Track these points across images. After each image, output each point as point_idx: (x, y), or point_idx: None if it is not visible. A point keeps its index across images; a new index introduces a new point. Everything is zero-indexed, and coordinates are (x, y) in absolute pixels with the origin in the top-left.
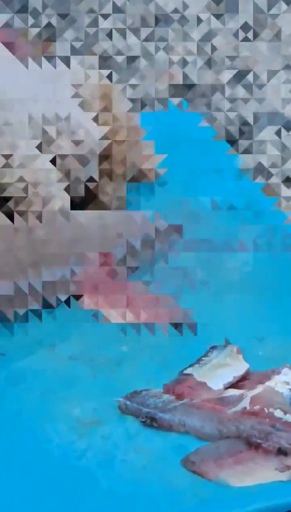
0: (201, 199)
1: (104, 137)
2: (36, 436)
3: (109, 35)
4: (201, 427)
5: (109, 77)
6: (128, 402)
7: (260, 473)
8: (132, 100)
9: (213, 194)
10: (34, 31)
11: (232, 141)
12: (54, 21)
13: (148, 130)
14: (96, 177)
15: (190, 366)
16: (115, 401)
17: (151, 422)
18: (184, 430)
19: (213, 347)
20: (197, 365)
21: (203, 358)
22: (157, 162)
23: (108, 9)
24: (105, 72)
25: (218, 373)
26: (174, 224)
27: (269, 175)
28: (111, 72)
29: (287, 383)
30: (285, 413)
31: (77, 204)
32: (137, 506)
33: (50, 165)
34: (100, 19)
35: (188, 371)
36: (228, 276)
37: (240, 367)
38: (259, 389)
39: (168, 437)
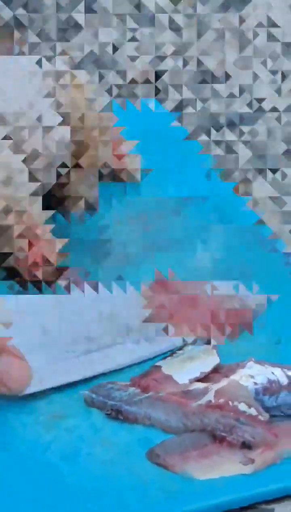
0: (171, 199)
1: (76, 137)
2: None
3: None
4: (166, 420)
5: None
6: (94, 395)
7: (225, 466)
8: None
9: (184, 194)
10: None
11: (203, 141)
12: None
13: (122, 130)
14: (67, 177)
15: (163, 358)
16: (81, 393)
17: (117, 414)
18: (149, 423)
19: (187, 343)
20: (169, 357)
21: (177, 352)
22: (136, 161)
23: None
24: (79, 72)
25: (186, 367)
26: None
27: (241, 175)
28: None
29: (252, 377)
30: (250, 406)
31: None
32: (103, 499)
33: (22, 165)
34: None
35: (158, 363)
36: (198, 276)
37: (209, 362)
38: (224, 382)
39: (133, 430)
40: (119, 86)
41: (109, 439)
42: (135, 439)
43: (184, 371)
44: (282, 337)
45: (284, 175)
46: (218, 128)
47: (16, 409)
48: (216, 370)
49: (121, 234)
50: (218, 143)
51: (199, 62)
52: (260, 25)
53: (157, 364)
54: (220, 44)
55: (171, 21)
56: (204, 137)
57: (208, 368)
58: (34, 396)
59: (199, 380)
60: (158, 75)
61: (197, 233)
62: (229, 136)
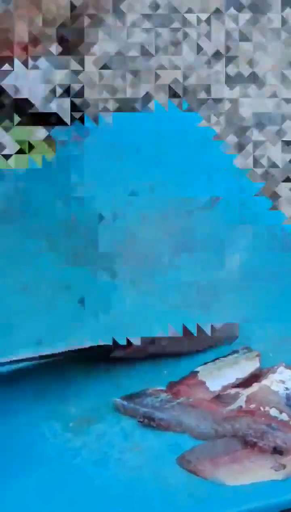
0: (198, 199)
1: None
2: (31, 435)
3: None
4: (197, 426)
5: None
6: (125, 402)
7: (256, 472)
8: (133, 100)
9: (211, 194)
10: None
11: (231, 141)
12: None
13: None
14: None
15: (204, 364)
16: (113, 401)
17: (149, 422)
18: (181, 429)
19: (235, 351)
20: (210, 363)
21: (221, 358)
22: None
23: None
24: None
25: (223, 373)
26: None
27: (269, 175)
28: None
29: (283, 382)
30: (281, 412)
31: None
32: (133, 505)
33: None
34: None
35: (197, 369)
36: (226, 276)
37: (247, 368)
38: (255, 387)
39: (163, 436)
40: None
41: (139, 445)
42: (165, 445)
43: (219, 377)
44: None
45: None
46: (246, 128)
47: (46, 415)
48: (255, 375)
49: (147, 234)
50: (246, 143)
51: (228, 62)
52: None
53: (196, 369)
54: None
55: (199, 20)
56: (232, 137)
57: (244, 374)
58: (64, 402)
59: (233, 386)
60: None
61: (224, 234)
62: (257, 136)
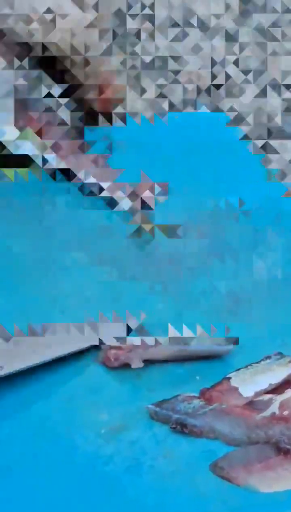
0: (227, 201)
1: None
2: (63, 442)
3: (137, 35)
4: (230, 432)
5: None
6: (157, 409)
7: (289, 479)
8: (160, 101)
9: (239, 195)
10: None
11: (259, 142)
12: None
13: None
14: None
15: (237, 370)
16: (145, 408)
17: (182, 428)
18: (213, 436)
19: (268, 357)
20: (242, 369)
21: (253, 364)
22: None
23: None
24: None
25: (256, 378)
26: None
27: None
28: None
29: None
30: None
31: None
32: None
33: None
34: (128, 19)
35: (230, 375)
36: (254, 280)
37: (280, 374)
38: (288, 394)
39: (196, 442)
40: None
41: (172, 452)
42: (198, 452)
43: (252, 383)
44: None
45: None
46: (274, 129)
47: (77, 422)
48: (288, 381)
49: (177, 244)
50: (274, 143)
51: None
52: None
53: (228, 375)
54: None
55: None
56: (259, 138)
57: (277, 380)
58: (95, 408)
59: (266, 392)
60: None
61: (254, 238)
62: (285, 136)
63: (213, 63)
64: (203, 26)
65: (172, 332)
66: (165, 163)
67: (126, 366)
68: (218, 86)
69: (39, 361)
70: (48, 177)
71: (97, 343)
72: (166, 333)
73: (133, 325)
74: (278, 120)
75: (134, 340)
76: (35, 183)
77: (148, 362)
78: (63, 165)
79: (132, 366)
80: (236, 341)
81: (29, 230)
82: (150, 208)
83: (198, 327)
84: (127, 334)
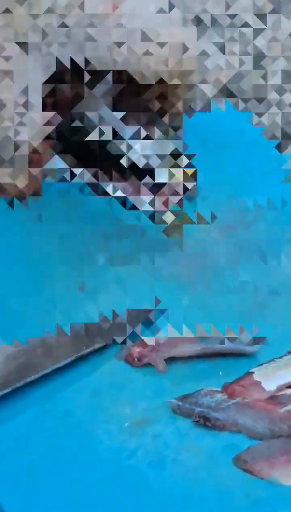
0: (254, 200)
1: None
2: (86, 437)
3: None
4: (253, 426)
5: None
6: (180, 403)
7: None
8: (189, 100)
9: (267, 194)
10: None
11: (287, 142)
12: None
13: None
14: None
15: (260, 364)
16: (168, 402)
17: (204, 421)
18: (236, 430)
19: (290, 351)
20: (265, 364)
21: (275, 359)
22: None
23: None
24: None
25: (279, 373)
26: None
27: None
28: None
29: None
30: None
31: None
32: (189, 505)
33: None
34: None
35: (253, 369)
36: (278, 279)
37: None
38: None
39: (219, 436)
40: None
41: (195, 445)
42: (221, 445)
43: (275, 378)
44: None
45: None
46: None
47: (101, 416)
48: None
49: (206, 243)
50: None
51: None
52: None
53: (251, 370)
54: None
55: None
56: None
57: None
58: (119, 403)
59: (289, 386)
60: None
61: (281, 240)
62: None
63: (242, 63)
64: (230, 24)
65: (199, 331)
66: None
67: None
68: (245, 86)
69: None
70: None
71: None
72: (193, 332)
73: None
74: None
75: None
76: None
77: (172, 359)
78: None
79: (156, 371)
80: (263, 341)
81: (56, 230)
82: (178, 209)
83: (225, 327)
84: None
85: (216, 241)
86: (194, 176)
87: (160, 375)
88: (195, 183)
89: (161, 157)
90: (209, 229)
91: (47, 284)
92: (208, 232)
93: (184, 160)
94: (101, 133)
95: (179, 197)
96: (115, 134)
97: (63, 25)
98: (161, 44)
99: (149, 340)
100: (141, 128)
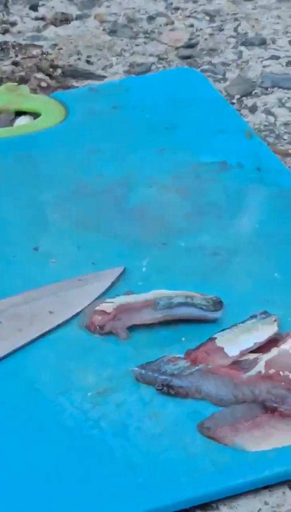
0: (208, 160)
1: None
2: (49, 406)
3: None
4: (216, 392)
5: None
6: (143, 371)
7: (277, 437)
8: (142, 63)
9: (221, 155)
10: None
11: (241, 101)
12: None
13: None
14: None
15: (222, 330)
16: (131, 371)
17: (168, 390)
18: (200, 397)
19: (253, 316)
20: (227, 329)
21: (238, 324)
22: None
23: None
24: None
25: (241, 338)
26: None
27: (280, 134)
28: None
29: None
30: None
31: None
32: (153, 473)
33: None
34: None
35: (215, 335)
36: (242, 241)
37: (265, 332)
38: (274, 352)
39: (183, 403)
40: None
41: (159, 413)
42: (185, 413)
43: (237, 343)
44: None
45: None
46: (255, 91)
47: (63, 386)
48: (274, 340)
49: (161, 200)
50: (256, 105)
51: (236, 27)
52: None
53: (214, 335)
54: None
55: None
56: (241, 100)
57: (262, 339)
58: (82, 372)
59: (251, 351)
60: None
61: (237, 198)
62: (267, 98)
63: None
64: None
65: (159, 293)
66: (146, 124)
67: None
68: (196, 45)
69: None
70: None
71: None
72: (153, 297)
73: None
74: (258, 74)
75: (119, 300)
76: None
77: (134, 326)
78: None
79: (119, 340)
80: (222, 306)
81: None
82: None
83: (186, 292)
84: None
85: (174, 203)
86: None
87: (123, 343)
88: None
89: None
90: (167, 191)
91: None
92: (166, 193)
93: None
94: None
95: None
96: None
97: None
98: None
99: (109, 308)
100: None
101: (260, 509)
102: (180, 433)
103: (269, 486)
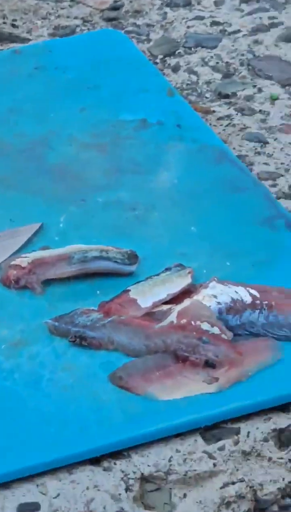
0: (128, 118)
1: None
2: None
3: None
4: (129, 343)
5: None
6: (56, 323)
7: (188, 386)
8: (66, 25)
9: (141, 113)
10: None
11: (164, 61)
12: None
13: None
14: None
15: (136, 283)
16: (44, 323)
17: (80, 341)
18: (113, 348)
19: (168, 268)
20: (142, 282)
21: (153, 277)
22: None
23: None
24: None
25: (155, 290)
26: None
27: (202, 92)
28: None
29: (215, 296)
30: (212, 325)
31: None
32: (65, 423)
33: None
34: None
35: (129, 287)
36: (159, 195)
37: (179, 284)
38: (186, 303)
39: (96, 354)
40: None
41: (72, 365)
42: (97, 364)
43: (151, 294)
44: None
45: (247, 97)
46: (179, 51)
47: None
48: (188, 291)
49: (80, 157)
50: (179, 64)
51: None
52: None
53: (128, 288)
54: None
55: None
56: (164, 60)
57: (175, 290)
58: None
59: (165, 302)
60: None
61: (157, 154)
62: (190, 58)
63: None
64: None
65: (74, 247)
66: (69, 84)
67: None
68: (120, 7)
69: None
70: None
71: None
72: (69, 251)
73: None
74: (181, 35)
75: (34, 255)
76: None
77: (49, 280)
78: None
79: (35, 294)
80: (137, 259)
81: None
82: None
83: (102, 245)
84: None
85: (94, 160)
86: None
87: (38, 297)
88: None
89: None
90: (87, 149)
91: None
92: (86, 151)
93: None
94: None
95: None
96: None
97: None
98: None
99: (24, 263)
100: None
101: (171, 457)
102: (92, 384)
103: (180, 434)
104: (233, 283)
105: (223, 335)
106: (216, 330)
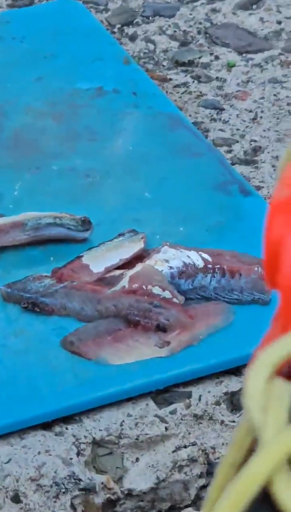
0: (84, 87)
1: None
2: None
3: None
4: (81, 308)
5: None
6: (9, 290)
7: (139, 350)
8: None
9: (97, 81)
10: None
11: (121, 30)
12: None
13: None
14: None
15: (89, 249)
16: None
17: (33, 307)
18: (66, 313)
19: (121, 234)
20: (95, 247)
21: (106, 242)
22: None
23: None
24: None
25: (107, 256)
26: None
27: (159, 61)
28: None
29: (167, 261)
30: (164, 290)
31: None
32: (16, 388)
33: None
34: None
35: (82, 253)
36: (113, 162)
37: (131, 249)
38: (138, 267)
39: (48, 320)
40: None
41: (24, 330)
42: (49, 329)
43: (103, 260)
44: None
45: (204, 65)
46: (136, 20)
47: None
48: (140, 256)
49: (36, 126)
50: (137, 33)
51: None
52: None
53: (81, 254)
54: None
55: None
56: (122, 29)
57: (128, 255)
58: None
59: (117, 267)
60: None
61: (112, 122)
62: (148, 27)
63: None
64: None
65: (28, 215)
66: (22, 52)
67: None
68: None
69: None
70: None
71: None
72: (23, 218)
73: None
74: (139, 4)
75: None
76: None
77: (3, 247)
78: None
79: None
80: (90, 225)
81: None
82: None
83: (56, 212)
84: None
85: (49, 129)
86: None
87: None
88: None
89: None
90: (43, 117)
91: None
92: (42, 120)
93: None
94: None
95: None
96: None
97: None
98: None
99: None
100: None
101: (123, 421)
102: (45, 349)
103: (132, 399)
104: (185, 247)
105: (174, 299)
106: (167, 294)
